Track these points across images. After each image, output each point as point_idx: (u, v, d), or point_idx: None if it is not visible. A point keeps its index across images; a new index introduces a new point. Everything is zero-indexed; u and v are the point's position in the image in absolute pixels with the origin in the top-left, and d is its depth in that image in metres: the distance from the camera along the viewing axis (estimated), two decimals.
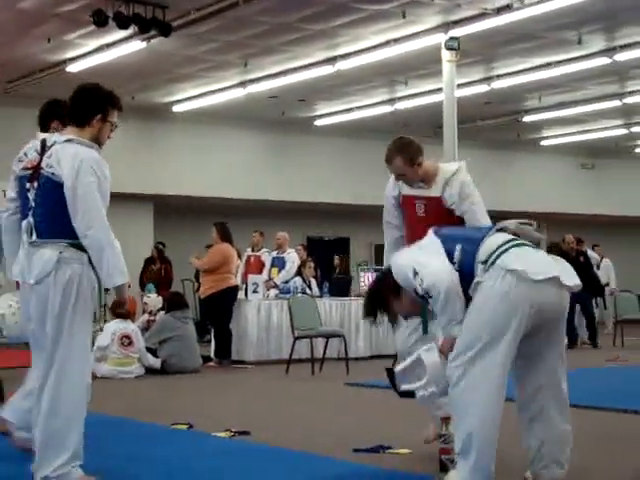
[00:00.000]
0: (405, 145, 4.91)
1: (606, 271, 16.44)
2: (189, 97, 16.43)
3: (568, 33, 12.78)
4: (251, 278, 11.86)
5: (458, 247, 3.96)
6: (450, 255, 3.95)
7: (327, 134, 18.78)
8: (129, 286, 4.53)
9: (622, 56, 13.57)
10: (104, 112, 4.36)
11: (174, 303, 10.60)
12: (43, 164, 4.23)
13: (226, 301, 11.16)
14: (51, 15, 11.76)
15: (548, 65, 14.34)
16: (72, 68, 13.87)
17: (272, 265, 12.79)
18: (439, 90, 13.66)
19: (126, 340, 9.83)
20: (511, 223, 4.17)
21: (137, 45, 12.66)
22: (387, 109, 17.12)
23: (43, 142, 4.36)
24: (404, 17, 11.82)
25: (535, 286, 3.82)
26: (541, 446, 4.03)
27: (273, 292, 12.36)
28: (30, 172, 4.28)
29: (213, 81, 15.34)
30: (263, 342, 11.33)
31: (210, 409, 6.87)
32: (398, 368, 4.13)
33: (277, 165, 18.57)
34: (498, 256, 3.88)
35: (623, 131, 19.61)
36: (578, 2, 11.14)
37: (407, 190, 4.96)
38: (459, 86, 13.24)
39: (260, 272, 12.57)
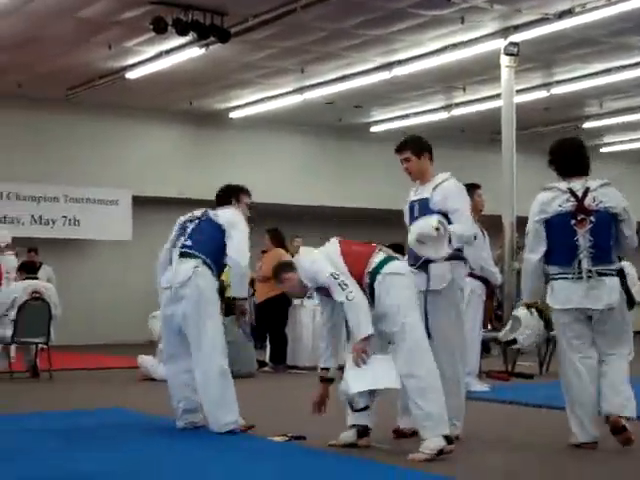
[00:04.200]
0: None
1: None
2: (246, 103, 16.55)
3: (630, 38, 12.61)
4: None
5: None
6: None
7: (383, 140, 18.74)
8: None
9: None
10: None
11: (230, 308, 10.65)
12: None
13: (281, 306, 11.21)
14: (112, 23, 11.95)
15: (609, 71, 14.16)
16: (131, 75, 14.08)
17: None
18: (497, 96, 13.56)
19: None
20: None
21: (195, 52, 12.80)
22: (444, 115, 17.05)
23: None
24: (463, 23, 11.77)
25: None
26: None
27: None
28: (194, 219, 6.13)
29: (270, 87, 15.44)
30: (318, 347, 11.32)
31: (265, 414, 6.90)
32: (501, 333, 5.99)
33: (333, 171, 18.60)
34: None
35: None
36: None
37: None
38: (518, 92, 13.14)
39: None
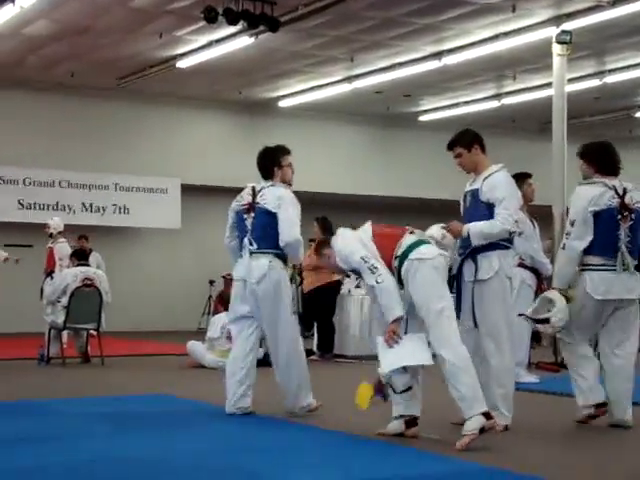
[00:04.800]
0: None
1: None
2: (295, 92, 16.57)
3: None
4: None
5: None
6: None
7: (432, 129, 18.65)
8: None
9: None
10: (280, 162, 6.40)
11: None
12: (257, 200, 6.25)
13: (329, 295, 11.24)
14: (163, 12, 12.04)
15: None
16: (182, 64, 14.17)
17: None
18: (548, 85, 13.42)
19: None
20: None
21: (245, 41, 12.85)
22: (494, 104, 16.92)
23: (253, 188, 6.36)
24: (514, 11, 11.67)
25: None
26: None
27: None
28: (246, 207, 6.28)
29: (319, 76, 15.44)
30: (365, 336, 11.33)
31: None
32: (530, 310, 5.91)
33: (381, 160, 18.56)
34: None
35: None
36: None
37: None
38: (569, 81, 12.97)
39: None
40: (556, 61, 12.43)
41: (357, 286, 11.67)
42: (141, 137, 16.75)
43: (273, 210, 6.14)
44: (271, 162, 6.39)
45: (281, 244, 6.11)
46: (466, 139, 5.76)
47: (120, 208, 16.54)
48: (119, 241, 16.99)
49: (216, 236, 20.94)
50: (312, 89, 16.19)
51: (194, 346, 10.08)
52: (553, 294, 5.77)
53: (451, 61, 13.81)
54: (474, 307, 5.53)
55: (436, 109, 17.84)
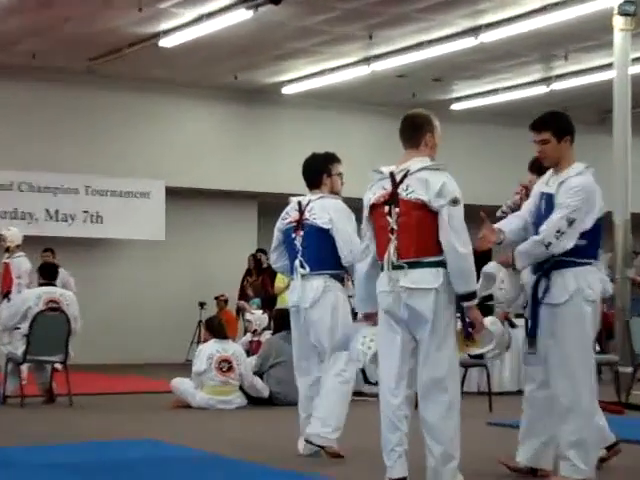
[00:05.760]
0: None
1: None
2: (302, 77, 16.59)
3: None
4: None
5: None
6: None
7: (466, 120, 18.66)
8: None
9: None
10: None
11: (282, 322, 10.69)
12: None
13: None
14: None
15: None
16: (165, 43, 14.20)
17: None
18: (608, 66, 13.41)
19: (225, 365, 9.98)
20: None
21: (242, 15, 12.88)
22: (542, 90, 16.90)
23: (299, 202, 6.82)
24: None
25: None
26: None
27: None
28: (293, 225, 6.72)
29: (330, 57, 15.45)
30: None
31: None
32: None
33: None
34: None
35: None
36: None
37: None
38: (634, 61, 12.96)
39: None
40: (618, 37, 12.42)
41: None
42: (117, 131, 16.78)
43: (325, 226, 6.57)
44: (320, 170, 6.92)
45: (345, 264, 6.56)
46: (560, 125, 5.78)
47: (92, 216, 16.57)
48: (91, 256, 17.01)
49: (208, 249, 20.90)
50: (322, 73, 16.21)
51: (180, 384, 10.07)
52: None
53: (490, 38, 13.80)
54: (544, 334, 5.63)
55: (471, 96, 17.84)
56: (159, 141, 17.09)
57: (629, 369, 10.93)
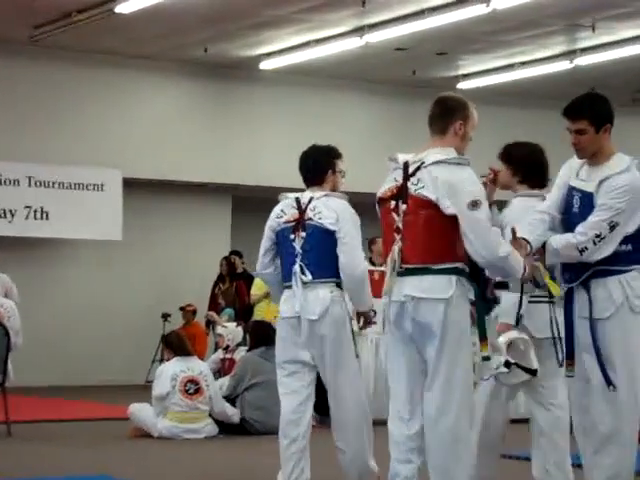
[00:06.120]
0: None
1: None
2: (283, 49, 16.57)
3: None
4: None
5: None
6: None
7: (476, 101, 18.65)
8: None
9: None
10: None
11: (260, 336, 10.68)
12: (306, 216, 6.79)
13: None
14: None
15: None
16: (122, 8, 14.15)
17: None
18: None
19: (192, 386, 9.96)
20: None
21: None
22: (564, 66, 16.93)
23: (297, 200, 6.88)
24: None
25: None
26: None
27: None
28: (292, 224, 6.79)
29: (317, 27, 15.43)
30: (381, 393, 11.24)
31: None
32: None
33: (404, 144, 18.52)
34: None
35: None
36: None
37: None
38: None
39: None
40: None
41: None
42: (66, 112, 16.74)
43: (332, 228, 6.69)
44: (325, 166, 7.06)
45: (342, 276, 6.69)
46: (600, 111, 5.75)
47: (36, 211, 16.52)
48: (35, 258, 16.97)
49: (172, 252, 20.87)
50: (307, 45, 16.19)
51: (139, 410, 10.06)
52: None
53: (503, 5, 13.82)
54: (586, 352, 5.57)
55: (482, 72, 17.86)
56: (115, 124, 17.03)
57: None
